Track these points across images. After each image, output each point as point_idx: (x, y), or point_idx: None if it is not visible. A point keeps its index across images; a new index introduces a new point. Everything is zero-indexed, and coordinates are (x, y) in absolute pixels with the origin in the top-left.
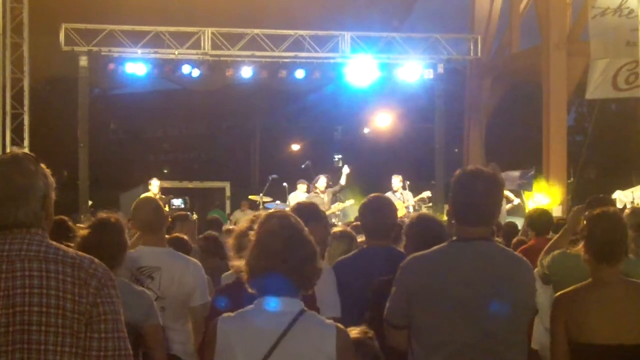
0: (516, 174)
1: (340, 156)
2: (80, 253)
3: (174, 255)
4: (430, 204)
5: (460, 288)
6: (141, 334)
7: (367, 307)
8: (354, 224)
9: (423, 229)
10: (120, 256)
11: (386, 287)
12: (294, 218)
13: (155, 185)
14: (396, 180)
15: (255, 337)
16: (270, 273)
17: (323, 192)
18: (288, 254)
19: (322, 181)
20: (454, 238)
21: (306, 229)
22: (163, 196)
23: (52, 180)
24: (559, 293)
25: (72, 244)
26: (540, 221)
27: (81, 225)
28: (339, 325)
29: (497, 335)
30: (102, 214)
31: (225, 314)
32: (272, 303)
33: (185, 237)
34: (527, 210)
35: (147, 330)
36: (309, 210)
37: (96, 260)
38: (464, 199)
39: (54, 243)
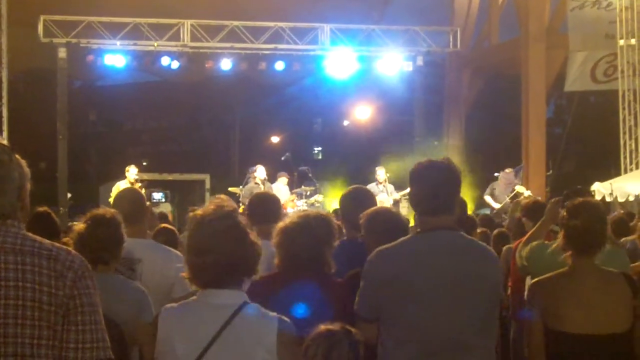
0: (510, 174)
1: (320, 148)
2: (56, 245)
3: (155, 247)
4: (408, 198)
5: (427, 279)
6: (136, 329)
7: None
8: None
9: (385, 222)
10: (116, 251)
11: (356, 279)
12: (228, 212)
13: (132, 172)
14: (382, 172)
15: (196, 329)
16: (209, 266)
17: (263, 183)
18: (227, 247)
19: (260, 171)
20: (418, 230)
21: (242, 220)
22: (140, 184)
23: (27, 170)
24: (535, 280)
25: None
26: (537, 211)
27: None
28: (283, 317)
29: (465, 325)
30: (99, 210)
31: (169, 305)
32: (214, 295)
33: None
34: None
35: (141, 326)
36: None
37: (73, 252)
38: (422, 189)
39: (30, 235)
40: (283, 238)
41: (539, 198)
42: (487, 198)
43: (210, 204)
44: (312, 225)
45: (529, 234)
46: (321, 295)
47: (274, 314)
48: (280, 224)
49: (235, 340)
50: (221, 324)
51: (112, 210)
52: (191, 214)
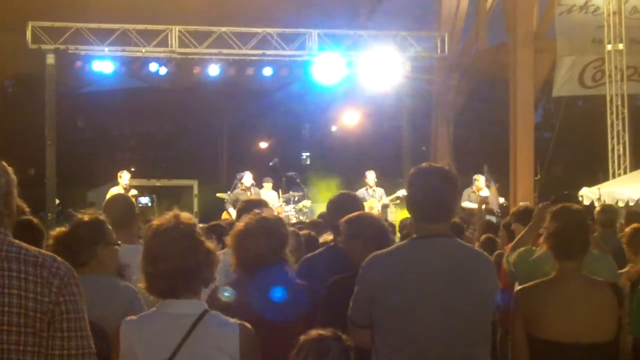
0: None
1: (308, 154)
2: (42, 251)
3: None
4: (398, 202)
5: (422, 285)
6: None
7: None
8: (316, 220)
9: (362, 228)
10: (89, 251)
11: (340, 285)
12: (183, 221)
13: (125, 178)
14: (371, 176)
15: (158, 340)
16: (164, 275)
17: (250, 189)
18: (181, 256)
19: (247, 177)
20: (414, 236)
21: (198, 228)
22: (132, 188)
23: (13, 177)
24: (519, 287)
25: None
26: (528, 216)
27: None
28: (244, 323)
29: (460, 331)
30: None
31: (129, 317)
32: (173, 306)
33: None
34: None
35: None
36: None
37: (58, 258)
38: (421, 196)
39: (16, 241)
40: (244, 240)
41: (528, 203)
42: (466, 203)
43: (167, 214)
44: (273, 227)
45: (516, 239)
46: (287, 297)
47: (235, 320)
48: (238, 227)
49: (197, 350)
50: (183, 334)
51: (91, 213)
52: (147, 223)
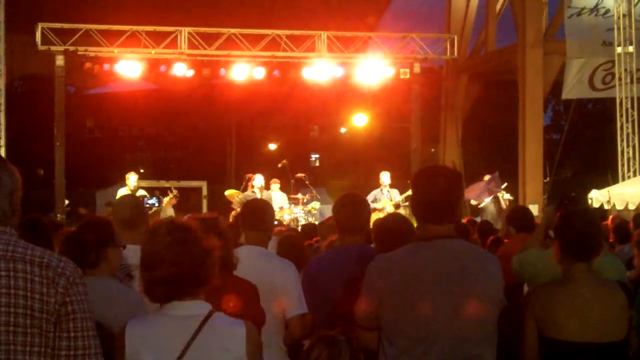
0: (481, 183)
1: (317, 155)
2: (48, 251)
3: None
4: (407, 204)
5: (428, 287)
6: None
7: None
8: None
9: (391, 229)
10: (99, 253)
11: (356, 285)
12: (179, 224)
13: (132, 179)
14: (386, 176)
15: (164, 342)
16: (160, 281)
17: (261, 191)
18: (174, 262)
19: (259, 180)
20: (419, 237)
21: (197, 229)
22: (142, 190)
23: (18, 176)
24: (530, 288)
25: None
26: (520, 218)
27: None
28: (249, 322)
29: (467, 332)
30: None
31: (134, 319)
32: (179, 307)
33: None
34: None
35: None
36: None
37: (64, 258)
38: (426, 197)
39: (22, 241)
40: None
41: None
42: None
43: (165, 218)
44: (222, 226)
45: (526, 241)
46: (240, 297)
47: (240, 320)
48: None
49: (204, 351)
50: (190, 335)
51: (103, 215)
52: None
